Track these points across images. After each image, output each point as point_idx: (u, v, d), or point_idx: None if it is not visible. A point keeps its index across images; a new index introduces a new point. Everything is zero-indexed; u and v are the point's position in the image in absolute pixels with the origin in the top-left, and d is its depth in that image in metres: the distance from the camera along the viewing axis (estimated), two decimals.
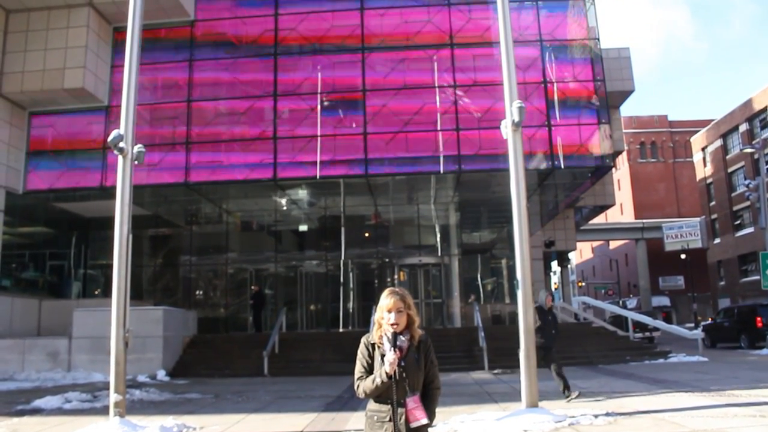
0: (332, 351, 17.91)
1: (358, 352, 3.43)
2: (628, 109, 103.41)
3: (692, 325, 37.66)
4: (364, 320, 22.41)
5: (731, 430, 7.01)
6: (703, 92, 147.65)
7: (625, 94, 26.80)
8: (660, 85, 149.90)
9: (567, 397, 10.04)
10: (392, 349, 3.28)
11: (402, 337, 3.33)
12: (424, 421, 3.27)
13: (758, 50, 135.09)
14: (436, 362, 3.46)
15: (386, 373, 3.23)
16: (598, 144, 19.24)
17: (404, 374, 3.27)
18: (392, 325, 3.33)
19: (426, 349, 3.42)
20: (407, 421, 3.25)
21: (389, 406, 3.28)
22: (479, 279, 26.88)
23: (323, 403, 10.80)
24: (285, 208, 23.62)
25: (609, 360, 17.25)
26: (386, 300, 3.37)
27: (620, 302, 50.43)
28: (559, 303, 31.97)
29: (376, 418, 3.33)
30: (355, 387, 3.38)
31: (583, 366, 16.28)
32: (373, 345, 3.41)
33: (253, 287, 23.05)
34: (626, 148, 44.79)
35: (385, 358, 3.27)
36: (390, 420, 3.27)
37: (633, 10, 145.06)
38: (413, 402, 3.27)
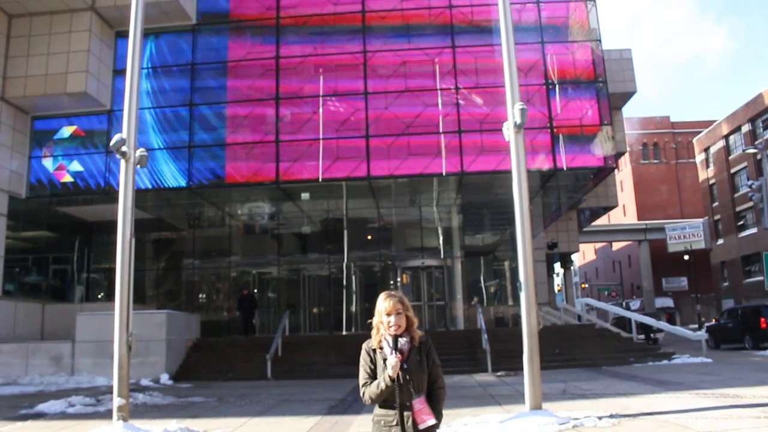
0: (335, 354, 17.90)
1: (360, 359, 3.44)
2: (632, 110, 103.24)
3: (696, 326, 37.57)
4: (367, 323, 22.34)
5: (736, 431, 6.99)
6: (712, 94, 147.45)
7: (627, 96, 26.82)
8: (662, 86, 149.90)
9: None
10: (393, 352, 3.28)
11: (402, 340, 3.34)
12: (432, 421, 3.26)
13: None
14: (438, 362, 3.46)
15: (389, 376, 3.23)
16: (600, 145, 19.22)
17: (408, 377, 3.27)
18: (392, 327, 3.33)
19: (428, 349, 3.42)
20: (415, 423, 3.25)
21: (395, 410, 3.27)
22: (482, 281, 26.85)
23: (326, 406, 10.78)
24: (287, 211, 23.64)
25: (612, 362, 17.21)
26: (384, 303, 3.37)
27: (623, 304, 50.41)
28: (562, 304, 31.95)
29: (383, 422, 3.33)
30: (361, 393, 3.39)
31: (587, 368, 16.25)
32: (374, 350, 3.41)
33: (244, 291, 22.04)
34: (628, 149, 44.75)
35: (387, 362, 3.27)
36: (397, 424, 3.27)
37: (637, 11, 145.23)
38: (419, 403, 3.26)
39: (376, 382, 3.30)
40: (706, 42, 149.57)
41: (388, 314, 3.34)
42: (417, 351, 3.37)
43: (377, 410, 3.37)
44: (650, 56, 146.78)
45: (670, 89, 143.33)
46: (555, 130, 19.09)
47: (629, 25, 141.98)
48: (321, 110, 19.60)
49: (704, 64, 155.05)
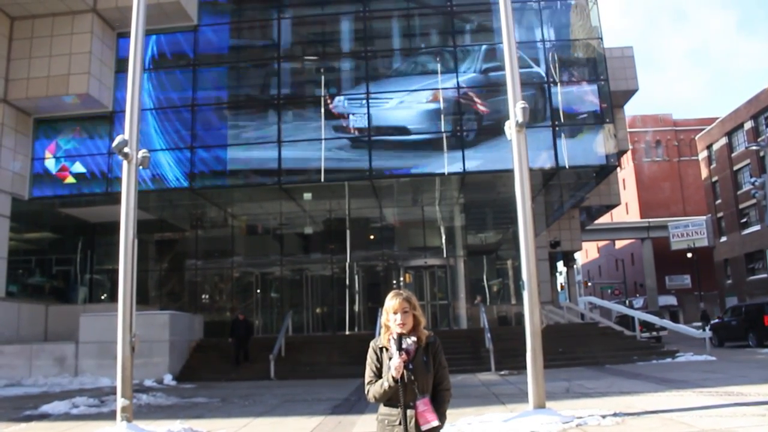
0: (339, 354, 17.91)
1: (367, 356, 3.43)
2: (633, 108, 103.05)
3: (699, 324, 37.47)
4: (370, 322, 22.38)
5: (740, 429, 6.96)
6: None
7: (629, 93, 26.79)
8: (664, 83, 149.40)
9: None
10: (398, 352, 3.28)
11: (408, 340, 3.33)
12: (435, 423, 3.25)
13: None
14: (445, 364, 3.45)
15: (392, 377, 3.23)
16: (603, 143, 19.17)
17: (412, 377, 3.26)
18: (399, 325, 3.32)
19: (435, 350, 3.41)
20: (417, 424, 3.24)
21: (399, 410, 3.27)
22: (485, 280, 26.84)
23: (330, 406, 10.78)
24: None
25: (616, 360, 17.18)
26: (391, 302, 3.37)
27: (627, 302, 50.34)
28: (565, 303, 31.92)
29: (387, 421, 3.33)
30: (366, 391, 3.39)
31: (590, 366, 16.23)
32: (381, 349, 3.40)
33: (240, 316, 18.94)
34: (631, 147, 44.66)
35: (390, 362, 3.27)
36: (400, 423, 3.26)
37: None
38: (423, 404, 3.26)
39: (380, 381, 3.30)
40: (745, 45, 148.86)
41: (395, 312, 3.34)
42: (424, 351, 3.36)
43: (382, 409, 3.37)
44: (684, 58, 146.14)
45: (709, 91, 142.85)
46: (557, 127, 19.06)
47: (673, 21, 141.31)
48: (323, 109, 19.61)
49: (741, 65, 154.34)
